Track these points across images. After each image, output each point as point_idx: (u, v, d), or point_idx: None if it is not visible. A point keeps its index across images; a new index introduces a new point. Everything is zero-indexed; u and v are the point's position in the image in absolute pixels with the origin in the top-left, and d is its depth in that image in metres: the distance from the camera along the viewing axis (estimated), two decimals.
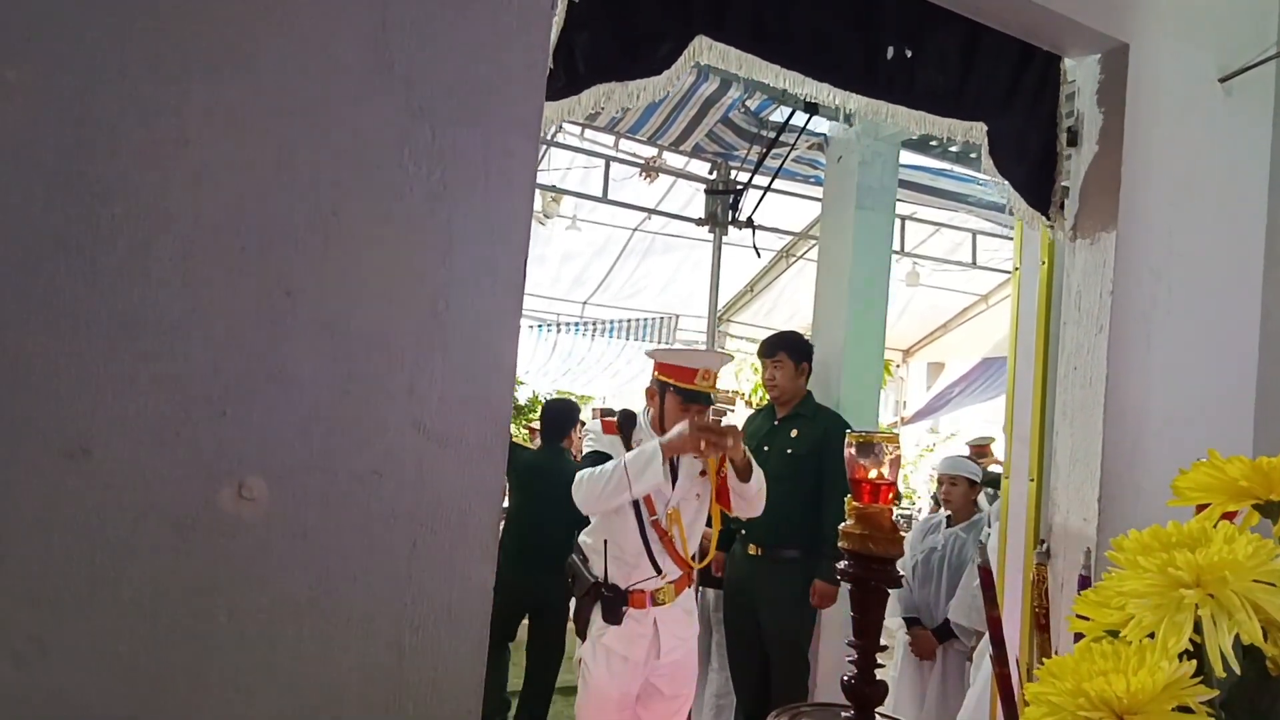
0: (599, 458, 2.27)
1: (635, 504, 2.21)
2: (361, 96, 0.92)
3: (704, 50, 1.57)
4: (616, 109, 1.56)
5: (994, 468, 4.41)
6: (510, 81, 1.01)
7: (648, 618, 2.21)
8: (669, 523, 2.24)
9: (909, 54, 1.80)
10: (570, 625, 2.45)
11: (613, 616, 2.19)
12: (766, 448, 3.03)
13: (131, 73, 0.81)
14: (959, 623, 3.01)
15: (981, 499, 3.40)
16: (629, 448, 2.27)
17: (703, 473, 2.33)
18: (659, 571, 2.22)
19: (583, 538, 2.34)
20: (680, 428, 2.15)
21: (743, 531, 2.99)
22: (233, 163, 0.86)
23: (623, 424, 2.34)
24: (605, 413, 6.60)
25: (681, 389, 2.27)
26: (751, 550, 2.99)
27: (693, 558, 2.30)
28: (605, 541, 2.23)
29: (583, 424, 7.32)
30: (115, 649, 0.80)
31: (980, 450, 6.01)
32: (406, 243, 0.94)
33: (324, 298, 0.90)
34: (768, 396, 3.20)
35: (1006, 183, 1.99)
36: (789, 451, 3.00)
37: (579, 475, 2.23)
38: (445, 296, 0.96)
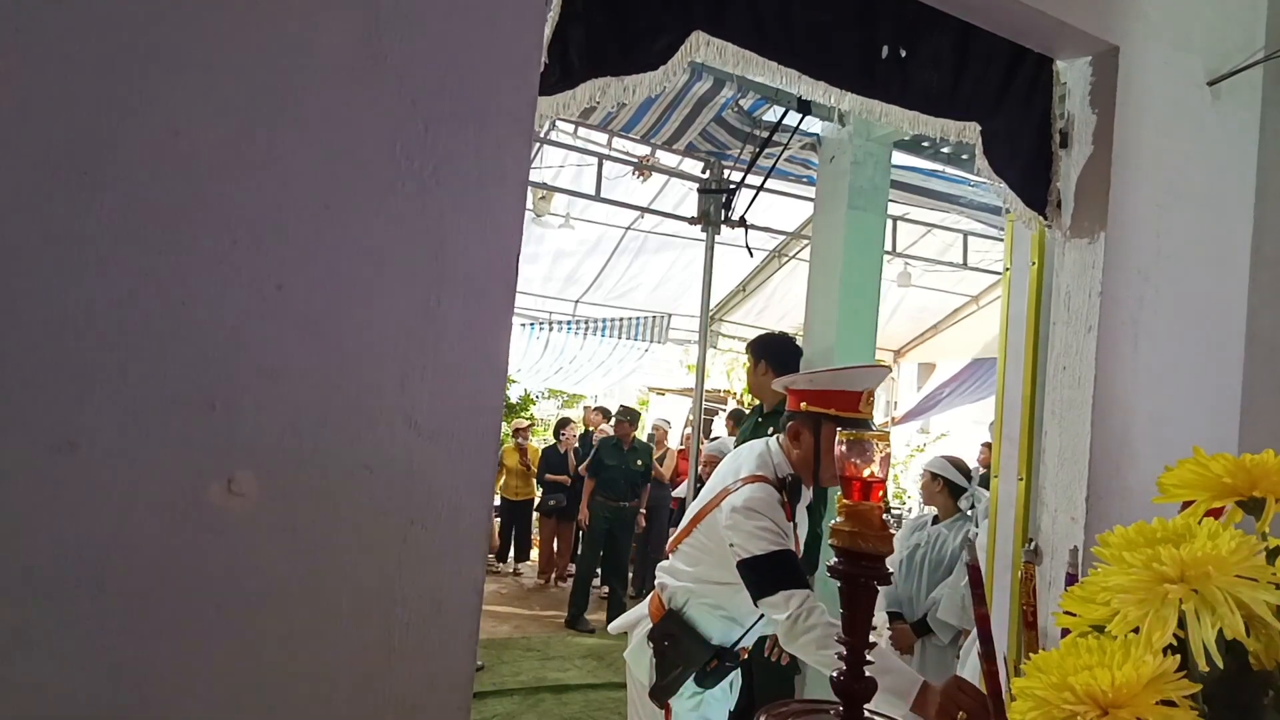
0: (787, 562, 1.76)
1: None
2: (353, 90, 0.92)
3: (701, 45, 1.57)
4: (612, 104, 1.55)
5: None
6: (503, 76, 1.01)
7: (734, 673, 2.04)
8: None
9: (904, 53, 1.80)
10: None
11: (713, 680, 1.93)
12: None
13: (122, 65, 0.81)
14: (949, 622, 3.03)
15: (963, 501, 3.42)
16: (793, 520, 1.91)
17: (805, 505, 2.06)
18: None
19: (720, 611, 1.94)
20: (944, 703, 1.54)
21: None
22: (223, 156, 0.86)
23: (791, 491, 1.93)
24: (597, 410, 6.60)
25: (844, 419, 1.85)
26: None
27: None
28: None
29: (571, 423, 7.30)
30: (100, 644, 0.79)
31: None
32: (398, 237, 0.94)
33: (315, 292, 0.90)
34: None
35: (1002, 183, 2.00)
36: None
37: (802, 603, 1.67)
38: (437, 292, 0.96)
